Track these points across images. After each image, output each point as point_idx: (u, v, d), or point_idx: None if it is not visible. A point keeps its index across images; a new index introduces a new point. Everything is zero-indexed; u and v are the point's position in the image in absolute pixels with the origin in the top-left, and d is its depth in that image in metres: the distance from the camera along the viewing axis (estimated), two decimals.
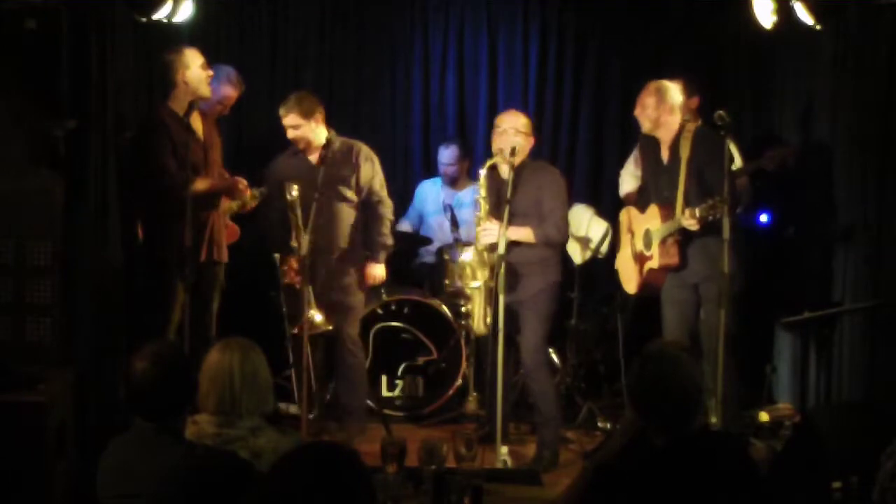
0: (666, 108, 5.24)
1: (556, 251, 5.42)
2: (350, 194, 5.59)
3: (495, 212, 5.33)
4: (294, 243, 5.27)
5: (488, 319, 5.34)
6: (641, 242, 5.38)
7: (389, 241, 5.72)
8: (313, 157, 5.55)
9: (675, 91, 5.31)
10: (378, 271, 5.68)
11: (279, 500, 2.21)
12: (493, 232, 5.25)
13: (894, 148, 5.01)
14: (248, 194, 5.54)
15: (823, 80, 5.70)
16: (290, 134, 5.53)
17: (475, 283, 5.44)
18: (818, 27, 5.20)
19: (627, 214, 5.61)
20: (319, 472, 2.20)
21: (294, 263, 5.35)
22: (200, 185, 5.10)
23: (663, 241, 5.21)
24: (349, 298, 5.62)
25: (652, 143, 5.37)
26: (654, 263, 5.29)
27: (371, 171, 5.68)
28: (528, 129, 5.36)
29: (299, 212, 5.17)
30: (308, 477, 2.20)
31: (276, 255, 5.64)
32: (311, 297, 5.24)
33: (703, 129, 5.09)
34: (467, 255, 5.51)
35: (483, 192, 5.37)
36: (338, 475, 2.20)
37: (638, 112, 5.33)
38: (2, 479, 4.19)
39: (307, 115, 5.50)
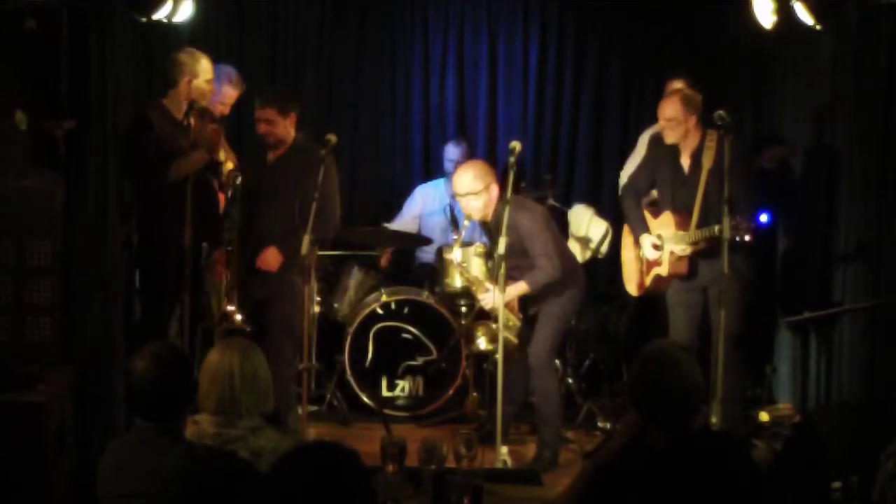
0: (693, 118, 5.21)
1: (565, 263, 5.35)
2: (292, 200, 5.24)
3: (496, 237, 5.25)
4: (228, 235, 5.16)
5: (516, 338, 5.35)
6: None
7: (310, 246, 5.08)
8: (272, 156, 5.36)
9: (697, 97, 5.28)
10: (272, 257, 5.26)
11: (279, 500, 2.21)
12: (489, 300, 5.23)
13: (894, 148, 5.01)
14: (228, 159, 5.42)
15: (823, 80, 5.70)
16: (262, 128, 5.30)
17: (508, 332, 5.25)
18: (818, 27, 5.20)
19: None
20: (319, 472, 2.20)
21: (223, 257, 5.23)
22: (184, 164, 5.02)
23: (672, 252, 5.21)
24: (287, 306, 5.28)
25: (670, 149, 5.33)
26: (662, 271, 5.28)
27: (328, 178, 5.25)
28: (483, 181, 5.16)
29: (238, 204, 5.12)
30: (308, 477, 2.20)
31: (205, 245, 5.26)
32: (227, 292, 5.16)
33: (729, 138, 4.93)
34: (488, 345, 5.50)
35: (465, 276, 5.49)
36: (337, 475, 2.20)
37: (663, 124, 5.26)
38: (2, 479, 4.19)
39: (284, 112, 5.31)
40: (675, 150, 5.30)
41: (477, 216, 5.28)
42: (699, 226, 5.11)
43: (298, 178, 5.25)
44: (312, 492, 2.18)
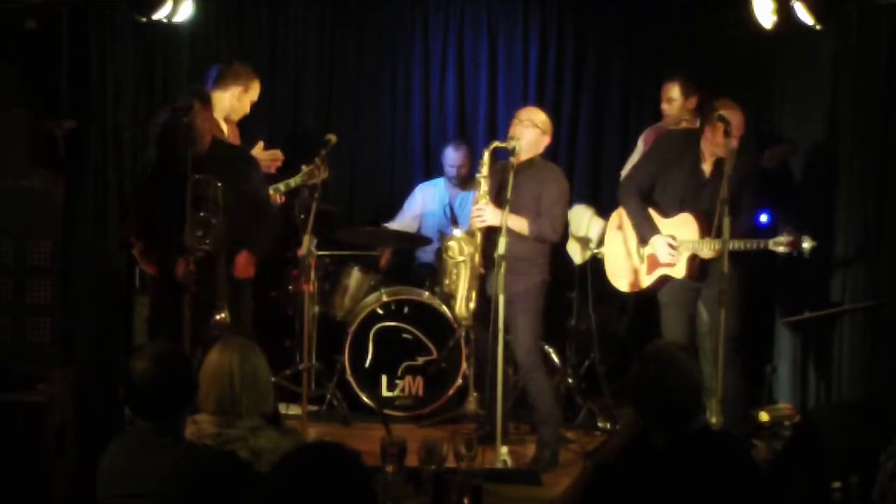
0: None
1: (546, 250, 5.40)
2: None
3: (496, 200, 5.31)
4: (203, 242, 4.94)
5: (471, 304, 5.33)
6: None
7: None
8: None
9: None
10: (249, 262, 5.16)
11: (280, 500, 2.21)
12: (486, 215, 5.24)
13: (894, 148, 5.01)
14: None
15: (823, 80, 5.70)
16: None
17: (461, 257, 5.40)
18: (818, 27, 5.20)
19: (619, 214, 5.59)
20: (320, 473, 2.20)
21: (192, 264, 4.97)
22: None
23: (693, 255, 5.18)
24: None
25: (690, 151, 5.28)
26: (677, 273, 5.22)
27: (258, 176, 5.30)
28: (546, 127, 5.33)
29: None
30: (309, 477, 2.20)
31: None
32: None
33: (742, 148, 4.99)
34: (457, 232, 5.48)
35: (485, 171, 5.33)
36: (338, 475, 2.20)
37: (738, 136, 5.09)
38: (2, 479, 4.19)
39: (204, 103, 5.09)
40: (695, 154, 5.25)
41: (521, 145, 5.22)
42: (717, 233, 5.07)
43: (227, 178, 5.09)
44: (313, 492, 2.18)
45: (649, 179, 5.45)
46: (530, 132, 5.27)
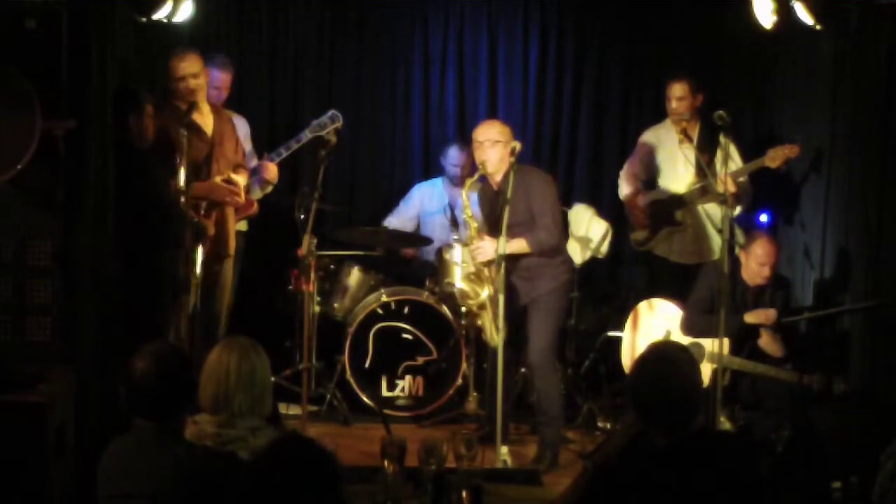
0: None
1: (563, 248, 5.42)
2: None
3: (489, 219, 5.31)
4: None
5: (501, 332, 5.30)
6: None
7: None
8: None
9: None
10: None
11: (254, 494, 2.24)
12: (486, 249, 5.24)
13: (894, 148, 5.01)
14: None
15: (823, 80, 5.70)
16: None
17: (481, 299, 5.38)
18: (818, 27, 5.20)
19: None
20: (291, 465, 2.25)
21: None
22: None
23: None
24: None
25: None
26: None
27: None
28: (506, 136, 5.27)
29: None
30: (282, 469, 2.24)
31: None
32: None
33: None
34: (456, 236, 5.47)
35: (468, 213, 5.37)
36: (305, 468, 2.24)
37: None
38: (2, 479, 4.19)
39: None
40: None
41: (490, 168, 5.25)
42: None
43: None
44: (285, 484, 2.22)
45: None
46: (494, 151, 5.24)
